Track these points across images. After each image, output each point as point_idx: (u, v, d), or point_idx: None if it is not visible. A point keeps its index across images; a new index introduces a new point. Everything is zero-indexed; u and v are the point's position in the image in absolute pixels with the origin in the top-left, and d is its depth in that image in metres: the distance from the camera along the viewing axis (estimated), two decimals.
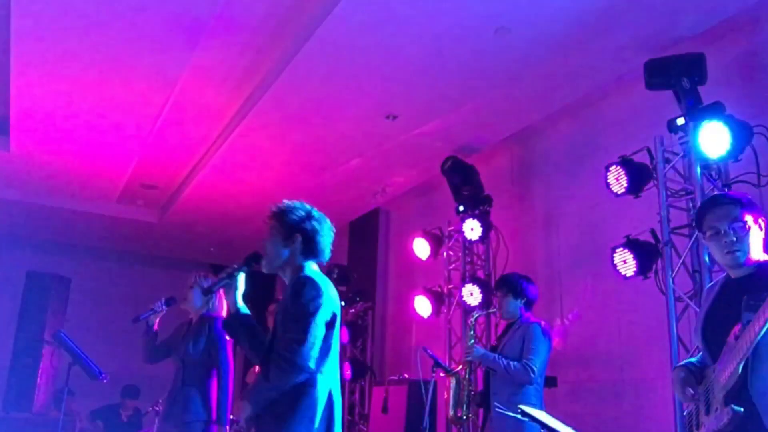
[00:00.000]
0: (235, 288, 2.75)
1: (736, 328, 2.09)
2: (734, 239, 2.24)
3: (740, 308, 2.09)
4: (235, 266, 2.76)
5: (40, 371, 6.26)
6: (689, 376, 2.32)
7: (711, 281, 3.78)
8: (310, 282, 2.60)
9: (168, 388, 3.99)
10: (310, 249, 2.72)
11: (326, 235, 2.76)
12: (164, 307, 4.14)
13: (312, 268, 2.73)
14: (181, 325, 4.15)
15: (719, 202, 2.35)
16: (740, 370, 2.06)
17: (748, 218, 2.26)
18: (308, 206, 2.78)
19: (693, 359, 2.47)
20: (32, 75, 5.10)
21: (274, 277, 2.83)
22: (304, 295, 2.56)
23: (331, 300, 2.64)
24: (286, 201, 2.78)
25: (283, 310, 2.64)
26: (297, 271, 2.69)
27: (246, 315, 2.78)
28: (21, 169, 6.97)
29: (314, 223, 2.73)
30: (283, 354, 2.51)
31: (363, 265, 8.09)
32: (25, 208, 8.00)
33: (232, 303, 2.77)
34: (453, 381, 4.31)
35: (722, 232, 2.26)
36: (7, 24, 4.50)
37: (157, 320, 4.12)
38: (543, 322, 4.17)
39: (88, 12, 4.31)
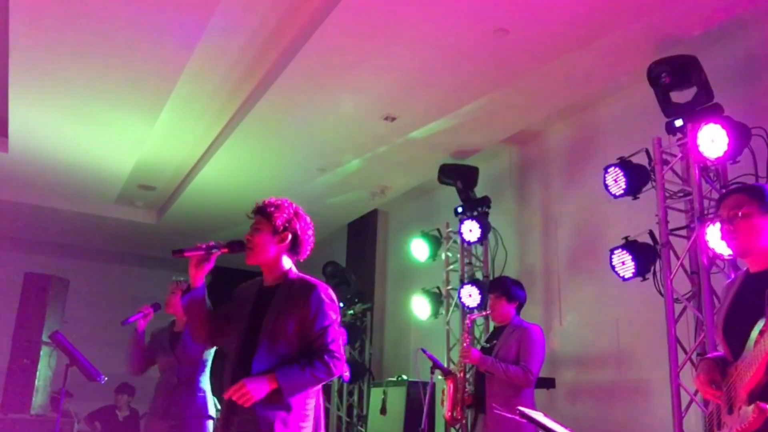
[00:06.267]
0: (207, 263, 2.70)
1: (760, 324, 2.02)
2: (731, 227, 2.23)
3: (762, 303, 2.04)
4: (217, 243, 2.70)
5: (37, 373, 6.23)
6: (713, 369, 2.24)
7: (709, 283, 3.80)
8: (329, 291, 2.68)
9: (160, 387, 3.99)
10: (296, 248, 2.73)
11: (311, 235, 2.78)
12: (152, 311, 4.12)
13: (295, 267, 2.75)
14: (161, 331, 4.14)
15: (731, 192, 2.37)
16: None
17: (752, 208, 2.20)
18: (294, 204, 2.78)
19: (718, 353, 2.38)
20: (30, 76, 5.10)
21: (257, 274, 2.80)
22: (333, 300, 2.66)
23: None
24: (272, 198, 2.77)
25: (297, 309, 2.60)
26: (282, 270, 2.70)
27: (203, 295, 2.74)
28: (19, 170, 6.95)
29: (301, 222, 2.74)
30: (330, 350, 2.57)
31: (362, 266, 8.08)
32: (23, 209, 7.99)
33: (198, 277, 2.71)
34: (451, 383, 4.30)
35: (722, 220, 2.27)
36: (6, 24, 4.49)
37: (144, 325, 4.11)
38: (538, 326, 4.18)
39: (87, 13, 4.30)
